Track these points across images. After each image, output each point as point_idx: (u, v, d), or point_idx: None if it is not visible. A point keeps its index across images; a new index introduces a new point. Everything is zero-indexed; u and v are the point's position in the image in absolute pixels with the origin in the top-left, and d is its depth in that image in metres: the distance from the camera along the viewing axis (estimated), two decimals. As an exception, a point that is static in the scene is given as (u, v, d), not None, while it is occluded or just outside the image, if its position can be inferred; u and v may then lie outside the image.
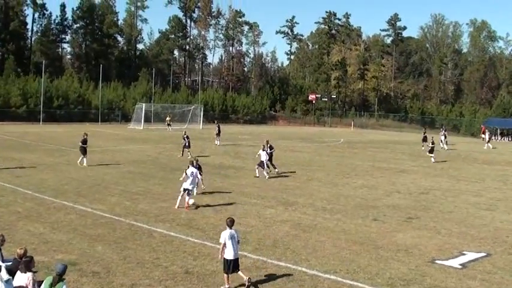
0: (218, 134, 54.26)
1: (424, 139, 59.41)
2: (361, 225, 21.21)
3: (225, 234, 14.15)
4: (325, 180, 33.35)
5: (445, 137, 63.33)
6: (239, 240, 14.55)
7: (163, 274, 14.71)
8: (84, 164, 35.79)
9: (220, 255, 14.33)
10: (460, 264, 16.49)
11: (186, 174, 24.13)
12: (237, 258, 14.19)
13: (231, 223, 14.38)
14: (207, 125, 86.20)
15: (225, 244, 14.10)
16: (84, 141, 36.64)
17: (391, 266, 16.07)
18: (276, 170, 35.07)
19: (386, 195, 28.70)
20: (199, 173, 25.92)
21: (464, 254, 17.61)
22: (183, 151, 43.85)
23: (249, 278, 14.10)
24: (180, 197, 23.46)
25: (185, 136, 44.35)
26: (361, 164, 43.14)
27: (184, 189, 23.59)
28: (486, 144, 67.25)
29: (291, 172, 36.22)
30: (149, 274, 14.67)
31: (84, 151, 36.39)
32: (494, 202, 27.91)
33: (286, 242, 18.16)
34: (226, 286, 14.04)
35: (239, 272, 14.16)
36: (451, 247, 18.46)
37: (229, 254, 14.06)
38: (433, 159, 46.22)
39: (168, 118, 79.74)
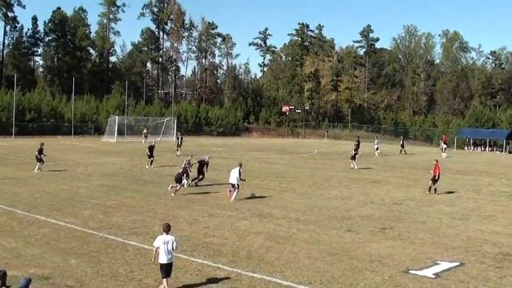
0: (180, 145, 54.72)
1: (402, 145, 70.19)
2: (335, 236, 21.24)
3: (160, 239, 14.56)
4: (299, 191, 33.40)
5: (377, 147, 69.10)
6: (176, 246, 14.74)
7: (137, 287, 14.63)
8: (35, 171, 38.27)
9: (153, 258, 14.80)
10: (434, 274, 16.57)
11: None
12: (170, 263, 14.49)
13: (167, 228, 14.72)
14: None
15: (158, 248, 14.48)
16: (40, 151, 39.85)
17: (365, 276, 16.11)
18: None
19: (360, 205, 28.80)
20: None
21: (437, 264, 17.70)
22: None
23: None
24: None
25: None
26: (335, 174, 43.28)
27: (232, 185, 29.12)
28: (443, 153, 70.59)
29: (265, 184, 36.22)
30: (123, 287, 14.58)
31: (39, 160, 39.54)
32: (467, 212, 28.11)
33: (261, 254, 18.14)
34: None
35: (165, 280, 14.37)
36: (425, 257, 18.55)
37: (162, 259, 14.42)
38: (355, 166, 47.47)
39: (145, 131, 79.62)
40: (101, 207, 25.74)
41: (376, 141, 72.71)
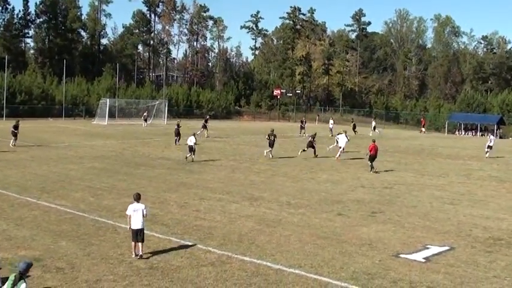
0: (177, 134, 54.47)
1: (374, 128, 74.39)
2: (326, 219, 21.29)
3: (130, 207, 16.10)
4: (290, 175, 33.44)
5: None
6: (146, 214, 16.26)
7: (127, 270, 14.64)
8: (11, 145, 41.50)
9: (128, 226, 16.12)
10: (424, 258, 16.64)
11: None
12: (142, 229, 15.91)
13: (137, 197, 16.31)
14: (172, 120, 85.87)
15: (130, 216, 16.00)
16: (16, 127, 43.28)
17: (355, 260, 16.16)
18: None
19: (351, 189, 28.86)
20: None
21: (428, 248, 17.77)
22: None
23: (141, 256, 15.78)
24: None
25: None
26: (326, 158, 43.28)
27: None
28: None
29: (256, 167, 36.25)
30: (113, 270, 14.60)
31: (14, 134, 43.12)
32: (457, 196, 28.20)
33: (251, 237, 18.18)
34: (133, 256, 15.64)
35: (139, 244, 15.70)
36: (415, 241, 18.62)
37: (133, 225, 15.86)
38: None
39: (145, 113, 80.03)
40: (92, 190, 25.73)
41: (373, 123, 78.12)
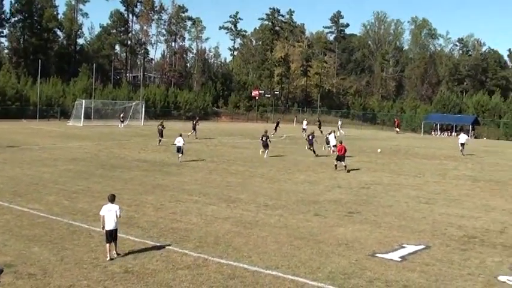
0: (161, 135, 54.13)
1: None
2: (303, 220, 21.27)
3: (104, 208, 16.14)
4: (267, 176, 33.40)
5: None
6: (120, 215, 16.26)
7: (102, 274, 14.45)
8: None
9: (102, 227, 16.08)
10: (400, 257, 16.67)
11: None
12: (115, 230, 15.98)
13: (111, 197, 16.34)
14: (149, 122, 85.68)
15: (104, 216, 16.00)
16: None
17: (332, 260, 16.14)
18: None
19: (328, 190, 28.88)
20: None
21: (403, 247, 17.81)
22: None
23: (117, 253, 15.95)
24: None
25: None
26: (303, 159, 43.36)
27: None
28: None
29: (234, 169, 36.18)
30: (87, 275, 14.40)
31: None
32: (433, 196, 28.35)
33: (228, 239, 18.08)
34: (107, 259, 15.55)
35: (113, 243, 15.91)
36: (391, 240, 18.65)
37: (107, 225, 15.88)
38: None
39: (122, 115, 79.75)
40: (66, 193, 25.45)
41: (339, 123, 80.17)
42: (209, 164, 38.33)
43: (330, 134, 48.57)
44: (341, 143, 38.87)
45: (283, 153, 47.10)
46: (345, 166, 37.20)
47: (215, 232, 19.01)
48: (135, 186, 27.81)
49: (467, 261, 16.56)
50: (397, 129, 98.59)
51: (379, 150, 53.96)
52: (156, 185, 28.40)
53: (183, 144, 39.66)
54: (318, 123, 78.64)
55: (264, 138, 44.58)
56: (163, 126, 52.16)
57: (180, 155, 39.17)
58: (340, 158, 37.37)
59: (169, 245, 17.11)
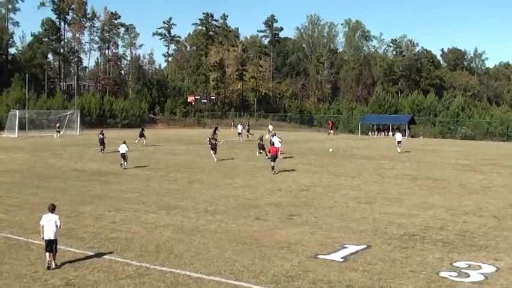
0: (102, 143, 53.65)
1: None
2: (244, 224, 21.22)
3: (44, 218, 15.99)
4: (206, 181, 33.28)
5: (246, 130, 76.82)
6: (60, 225, 16.13)
7: None
8: None
9: (42, 237, 15.89)
10: (342, 258, 16.73)
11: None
12: (55, 240, 15.79)
13: (51, 207, 16.20)
14: (85, 131, 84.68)
15: (43, 226, 15.86)
16: None
17: (275, 263, 16.12)
18: None
19: (268, 193, 28.89)
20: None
21: (345, 247, 17.88)
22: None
23: (56, 265, 15.68)
24: None
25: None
26: (242, 163, 43.38)
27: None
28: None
29: (172, 175, 35.97)
30: (27, 288, 14.11)
31: None
32: (372, 195, 28.62)
33: (169, 247, 17.92)
34: (46, 265, 15.54)
35: (52, 254, 15.68)
36: (333, 241, 18.72)
37: (46, 235, 15.73)
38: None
39: (58, 125, 78.64)
40: (2, 206, 24.87)
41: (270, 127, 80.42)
42: (147, 171, 38.03)
43: (273, 136, 48.92)
44: (273, 144, 41.19)
45: (222, 158, 46.99)
46: (274, 167, 37.96)
47: (156, 240, 18.82)
48: (73, 197, 27.39)
49: (409, 258, 16.73)
50: (331, 131, 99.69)
51: (330, 149, 54.58)
52: (94, 195, 28.02)
53: (127, 151, 40.17)
54: (248, 127, 79.77)
55: (213, 141, 46.22)
56: (103, 135, 51.97)
57: (124, 162, 39.64)
58: (273, 158, 38.30)
59: (110, 255, 16.87)
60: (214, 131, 63.27)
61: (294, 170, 39.48)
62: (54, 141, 67.92)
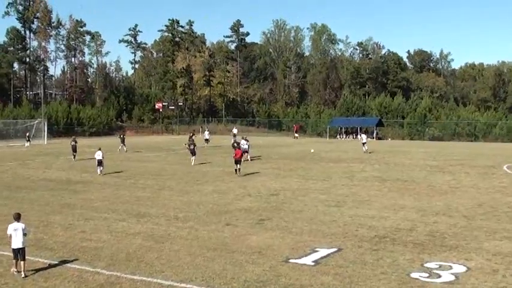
0: (74, 150, 53.75)
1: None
2: (215, 230, 21.17)
3: (10, 227, 16.06)
4: (176, 188, 33.19)
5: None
6: (26, 233, 16.11)
7: (12, 299, 14.05)
8: None
9: (10, 244, 15.95)
10: (313, 261, 16.76)
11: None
12: (23, 248, 15.79)
13: (16, 216, 16.26)
14: (52, 140, 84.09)
15: (11, 235, 15.93)
16: None
17: (246, 268, 16.11)
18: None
19: (238, 199, 28.89)
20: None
21: (316, 251, 17.92)
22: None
23: (17, 271, 15.70)
24: None
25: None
26: (212, 169, 43.32)
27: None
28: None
29: (141, 183, 35.82)
30: (-4, 300, 13.97)
31: None
32: (342, 198, 28.75)
33: (140, 255, 17.82)
34: (15, 270, 15.75)
35: (21, 263, 15.65)
36: (304, 245, 18.75)
37: (14, 244, 15.78)
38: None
39: (28, 134, 78.10)
40: (-30, 217, 24.60)
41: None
42: (116, 179, 37.82)
43: (242, 139, 49.88)
44: (238, 148, 42.46)
45: (191, 164, 46.90)
46: (239, 169, 39.84)
47: (126, 248, 18.71)
48: (42, 207, 27.13)
49: (380, 260, 16.81)
50: (296, 134, 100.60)
51: (312, 150, 54.88)
52: (63, 204, 27.79)
53: (103, 157, 41.38)
54: (192, 133, 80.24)
55: (191, 147, 48.07)
56: (76, 142, 52.91)
57: (100, 168, 40.88)
58: (237, 161, 39.90)
59: (80, 265, 16.72)
60: (191, 136, 63.59)
61: (263, 174, 39.56)
62: (22, 150, 67.22)
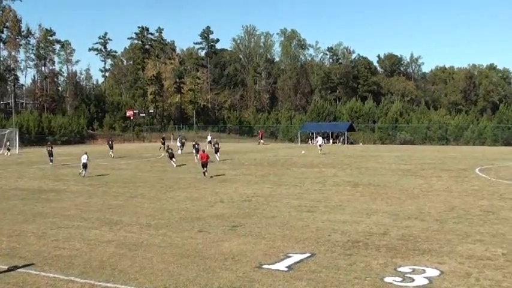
0: (51, 155, 55.14)
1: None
2: (187, 237, 21.18)
3: None
4: (148, 195, 33.12)
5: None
6: None
7: (-15, 309, 13.99)
8: None
9: None
10: (287, 267, 16.81)
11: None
12: None
13: None
14: (24, 149, 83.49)
15: None
16: None
17: (220, 275, 16.14)
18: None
19: (210, 205, 28.90)
20: None
21: (289, 257, 17.98)
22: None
23: None
24: None
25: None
26: (184, 176, 43.29)
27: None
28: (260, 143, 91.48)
29: (113, 191, 35.73)
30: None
31: None
32: (314, 203, 28.84)
33: (113, 263, 17.80)
34: None
35: None
36: (277, 251, 18.81)
37: None
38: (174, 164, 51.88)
39: (8, 143, 78.58)
40: None
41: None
42: (88, 187, 37.66)
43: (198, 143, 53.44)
44: (203, 151, 45.80)
45: (163, 171, 46.86)
46: (207, 171, 41.94)
47: (100, 256, 18.68)
48: (15, 216, 26.97)
49: (353, 265, 16.90)
50: (261, 140, 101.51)
51: (303, 151, 55.17)
52: (36, 213, 27.64)
53: (88, 160, 44.72)
54: (162, 139, 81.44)
55: (170, 151, 53.25)
56: (51, 147, 55.50)
57: (84, 171, 44.16)
58: (204, 164, 42.19)
59: (54, 273, 16.67)
60: (163, 142, 64.32)
61: (235, 181, 39.61)
62: (8, 158, 66.72)
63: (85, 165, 44.25)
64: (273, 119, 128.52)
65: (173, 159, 52.96)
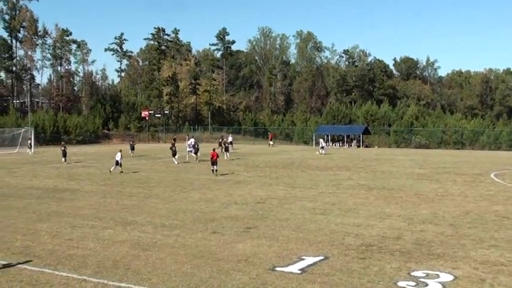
0: (64, 155, 56.72)
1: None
2: (201, 238, 21.17)
3: None
4: (163, 196, 33.15)
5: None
6: None
7: (-2, 307, 14.04)
8: None
9: None
10: (300, 269, 16.77)
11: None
12: None
13: None
14: (39, 148, 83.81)
15: None
16: None
17: (233, 277, 16.12)
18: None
19: (224, 207, 28.89)
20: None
21: (303, 259, 17.93)
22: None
23: None
24: None
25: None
26: (198, 177, 43.32)
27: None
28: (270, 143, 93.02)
29: (128, 191, 35.78)
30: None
31: None
32: (328, 206, 28.76)
33: (127, 262, 17.82)
34: None
35: None
36: (290, 253, 18.77)
37: None
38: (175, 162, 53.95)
39: (29, 141, 79.41)
40: (-44, 226, 24.55)
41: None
42: (103, 187, 37.76)
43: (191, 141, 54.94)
44: (214, 150, 46.42)
45: (178, 172, 46.92)
46: (217, 170, 43.53)
47: (113, 256, 18.70)
48: (29, 214, 27.07)
49: (367, 269, 16.83)
50: (271, 142, 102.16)
51: (317, 152, 55.53)
52: (50, 212, 27.74)
53: (121, 159, 47.99)
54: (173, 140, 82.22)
55: (174, 148, 55.78)
56: (65, 147, 57.45)
57: (115, 167, 47.34)
58: (213, 163, 44.03)
59: (67, 272, 16.71)
60: (174, 141, 64.57)
61: (249, 182, 39.58)
62: (10, 159, 66.93)
63: (117, 163, 47.28)
64: (288, 121, 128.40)
65: (175, 156, 55.43)
